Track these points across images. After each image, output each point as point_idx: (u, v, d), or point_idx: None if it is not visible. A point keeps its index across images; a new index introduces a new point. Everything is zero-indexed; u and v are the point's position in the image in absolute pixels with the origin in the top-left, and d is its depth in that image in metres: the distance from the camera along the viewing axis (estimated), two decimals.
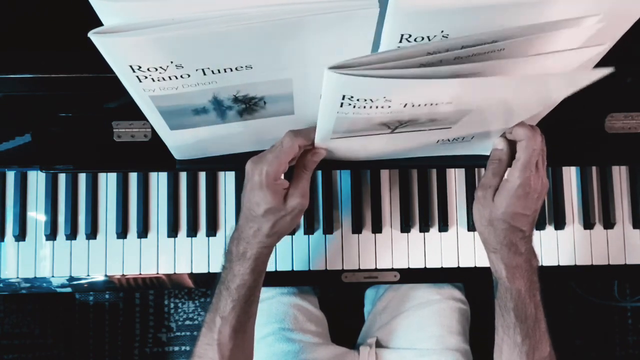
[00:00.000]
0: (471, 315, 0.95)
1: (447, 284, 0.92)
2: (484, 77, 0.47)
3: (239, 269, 0.66)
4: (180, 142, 0.70)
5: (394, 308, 0.92)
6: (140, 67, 0.51)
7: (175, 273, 0.87)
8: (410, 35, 0.49)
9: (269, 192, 0.62)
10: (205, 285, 0.88)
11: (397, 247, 0.87)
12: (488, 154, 0.68)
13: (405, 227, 0.87)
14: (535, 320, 0.65)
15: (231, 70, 0.54)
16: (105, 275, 0.87)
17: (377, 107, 0.51)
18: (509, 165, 0.65)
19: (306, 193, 0.65)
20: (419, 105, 0.52)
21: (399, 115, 0.55)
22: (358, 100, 0.50)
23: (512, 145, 0.65)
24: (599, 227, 0.88)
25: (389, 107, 0.51)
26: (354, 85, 0.47)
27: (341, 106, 0.51)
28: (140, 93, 0.56)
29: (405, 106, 0.51)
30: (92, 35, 0.46)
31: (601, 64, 0.57)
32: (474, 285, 0.97)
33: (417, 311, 0.89)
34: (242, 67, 0.54)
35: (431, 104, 0.52)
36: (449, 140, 0.69)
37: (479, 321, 0.97)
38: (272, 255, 0.86)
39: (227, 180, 0.88)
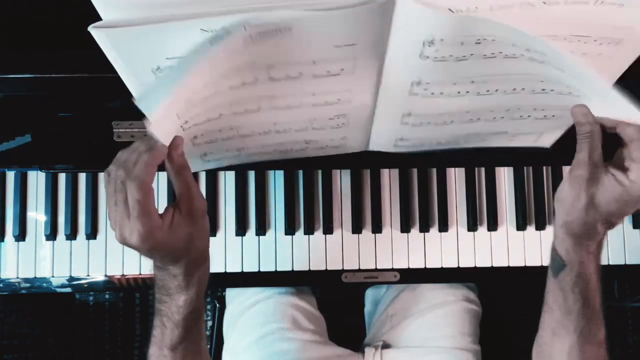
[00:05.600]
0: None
1: (461, 285, 0.92)
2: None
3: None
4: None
5: (407, 309, 0.91)
6: None
7: None
8: None
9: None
10: None
11: (397, 247, 0.87)
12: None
13: (405, 227, 0.87)
14: (601, 305, 0.63)
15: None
16: (105, 275, 0.86)
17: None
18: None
19: (197, 192, 0.61)
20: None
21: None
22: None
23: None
24: None
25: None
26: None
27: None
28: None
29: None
30: (92, 29, 0.46)
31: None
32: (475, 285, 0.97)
33: (431, 312, 0.89)
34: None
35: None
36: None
37: (483, 321, 0.96)
38: (272, 256, 0.87)
39: (227, 180, 0.88)
